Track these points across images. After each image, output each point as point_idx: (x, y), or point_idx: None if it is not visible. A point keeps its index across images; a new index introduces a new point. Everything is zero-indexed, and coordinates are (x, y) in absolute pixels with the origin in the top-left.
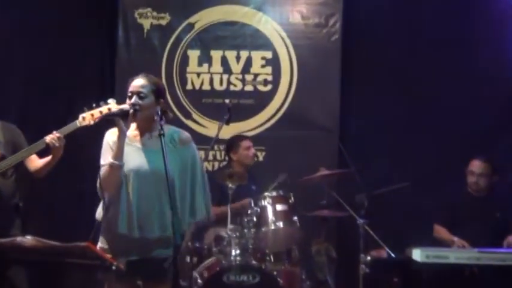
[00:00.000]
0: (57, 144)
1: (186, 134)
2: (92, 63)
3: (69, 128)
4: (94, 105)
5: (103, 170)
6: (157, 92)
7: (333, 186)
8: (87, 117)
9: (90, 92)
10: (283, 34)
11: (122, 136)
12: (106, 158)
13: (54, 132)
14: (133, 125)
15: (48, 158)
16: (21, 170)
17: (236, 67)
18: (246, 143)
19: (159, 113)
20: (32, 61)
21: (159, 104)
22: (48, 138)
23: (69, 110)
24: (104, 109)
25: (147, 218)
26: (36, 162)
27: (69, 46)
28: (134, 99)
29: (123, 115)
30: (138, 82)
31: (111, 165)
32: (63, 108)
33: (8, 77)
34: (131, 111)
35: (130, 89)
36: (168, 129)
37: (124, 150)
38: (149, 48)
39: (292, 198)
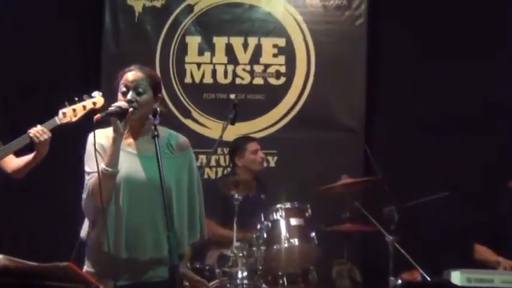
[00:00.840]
0: (42, 138)
1: (183, 139)
2: (73, 53)
3: (47, 125)
4: (76, 99)
5: (91, 179)
6: (155, 87)
7: (358, 196)
8: (68, 113)
9: (71, 87)
10: (299, 18)
11: (118, 139)
12: (93, 164)
13: (38, 126)
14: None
15: (30, 156)
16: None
17: (243, 56)
18: (253, 146)
19: (157, 110)
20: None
21: (157, 101)
22: (32, 131)
23: (47, 108)
24: (88, 104)
25: (139, 235)
26: (14, 162)
27: (45, 31)
28: (131, 95)
29: (121, 114)
30: (135, 75)
31: (104, 173)
32: (40, 106)
33: None
34: (130, 109)
35: (125, 82)
36: (164, 132)
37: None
38: (141, 34)
39: (309, 210)
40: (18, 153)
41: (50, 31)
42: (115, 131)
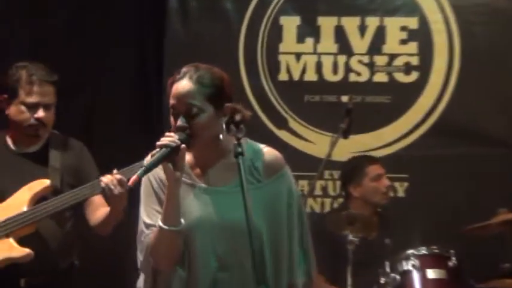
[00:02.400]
0: (116, 191)
1: (273, 155)
2: (129, 39)
3: (127, 171)
4: None
5: (149, 235)
6: (217, 96)
7: None
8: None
9: (122, 88)
10: None
11: (175, 187)
12: (152, 211)
13: (115, 172)
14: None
15: (105, 211)
16: (80, 215)
17: (360, 44)
18: (375, 169)
19: (237, 120)
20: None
21: (224, 114)
22: (105, 180)
23: (91, 113)
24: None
25: None
26: (98, 212)
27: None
28: (181, 120)
29: (170, 156)
30: (182, 89)
31: (161, 232)
32: (86, 111)
33: None
34: (182, 146)
35: (172, 101)
36: (245, 148)
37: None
38: (218, 14)
39: (454, 258)
40: None
41: (100, 12)
42: (169, 178)
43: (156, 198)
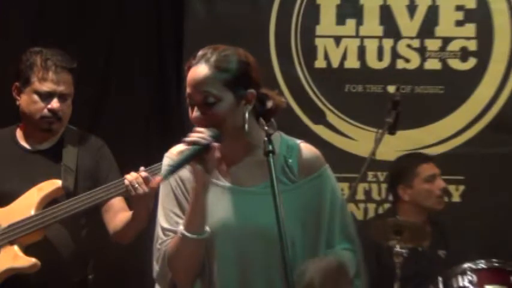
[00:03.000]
0: (140, 191)
1: (312, 151)
2: (141, 22)
3: (155, 168)
4: None
5: (166, 242)
6: (237, 81)
7: None
8: None
9: (135, 77)
10: None
11: (203, 190)
12: (170, 214)
13: (142, 169)
14: None
15: (127, 216)
16: (96, 222)
17: (408, 25)
18: (428, 169)
19: (270, 109)
20: None
21: (247, 101)
22: (129, 177)
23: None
24: None
25: None
26: (117, 218)
27: None
28: (196, 113)
29: (200, 155)
30: (197, 75)
31: (183, 240)
32: (92, 103)
33: None
34: (215, 144)
35: (188, 89)
36: (278, 144)
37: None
38: None
39: None
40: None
41: None
42: (197, 181)
43: (175, 199)
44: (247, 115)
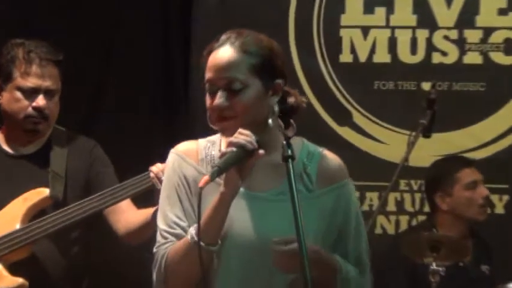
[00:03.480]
0: None
1: (334, 160)
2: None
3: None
4: None
5: (167, 248)
6: (266, 69)
7: None
8: None
9: (138, 66)
10: None
11: (230, 197)
12: (170, 216)
13: (158, 165)
14: (217, 139)
15: (140, 213)
16: (90, 234)
17: (446, 14)
18: (470, 175)
19: (291, 107)
20: None
21: (275, 92)
22: (155, 169)
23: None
24: None
25: None
26: (130, 218)
27: None
28: (221, 99)
29: (242, 159)
30: (221, 58)
31: (191, 247)
32: (90, 98)
33: None
34: (260, 151)
35: (209, 74)
36: (298, 148)
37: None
38: None
39: None
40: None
41: None
42: (228, 185)
43: (178, 200)
44: (276, 108)
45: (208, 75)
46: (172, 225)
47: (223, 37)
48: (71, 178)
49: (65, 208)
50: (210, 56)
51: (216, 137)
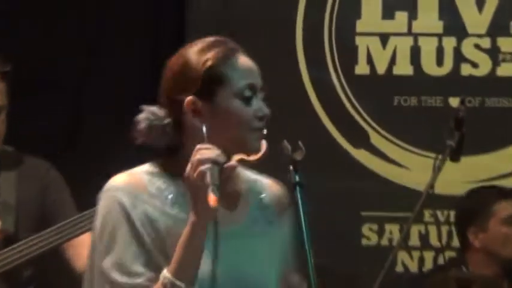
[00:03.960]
0: None
1: (279, 187)
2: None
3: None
4: None
5: None
6: None
7: None
8: None
9: (126, 73)
10: None
11: (205, 222)
12: (130, 266)
13: None
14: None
15: None
16: (46, 272)
17: (476, 19)
18: (508, 208)
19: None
20: None
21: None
22: None
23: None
24: None
25: None
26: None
27: None
28: (258, 107)
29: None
30: (252, 63)
31: None
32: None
33: None
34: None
35: (251, 79)
36: (244, 178)
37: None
38: None
39: None
40: None
41: None
42: (207, 210)
43: (140, 247)
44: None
45: (248, 80)
46: (134, 276)
47: (233, 45)
48: (23, 208)
49: (17, 244)
50: (234, 57)
51: (151, 169)
